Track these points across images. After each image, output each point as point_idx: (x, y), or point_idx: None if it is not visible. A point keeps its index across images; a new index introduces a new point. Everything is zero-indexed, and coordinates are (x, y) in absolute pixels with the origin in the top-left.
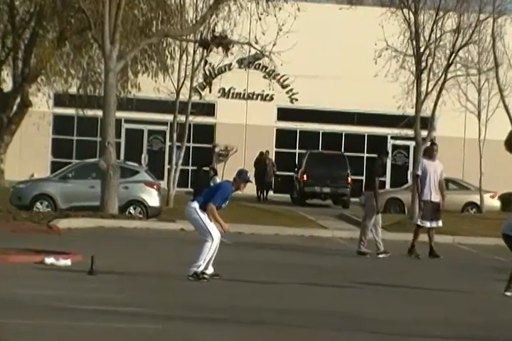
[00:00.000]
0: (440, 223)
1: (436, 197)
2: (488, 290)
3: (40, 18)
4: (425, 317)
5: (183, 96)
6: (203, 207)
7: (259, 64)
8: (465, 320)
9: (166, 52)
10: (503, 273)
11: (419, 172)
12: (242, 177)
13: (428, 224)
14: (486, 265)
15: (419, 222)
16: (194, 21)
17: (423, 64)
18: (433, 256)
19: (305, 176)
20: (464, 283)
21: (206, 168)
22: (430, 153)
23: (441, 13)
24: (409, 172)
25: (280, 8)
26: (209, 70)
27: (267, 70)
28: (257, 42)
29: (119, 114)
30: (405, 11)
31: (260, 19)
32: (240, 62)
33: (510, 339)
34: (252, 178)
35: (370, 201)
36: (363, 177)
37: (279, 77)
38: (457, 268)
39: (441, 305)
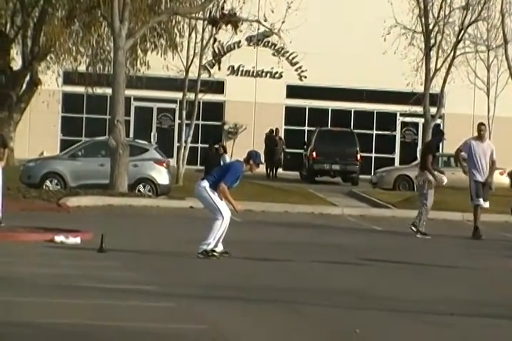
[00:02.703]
0: (487, 204)
1: (484, 179)
2: (497, 266)
3: None
4: (436, 295)
5: (192, 74)
6: (213, 186)
7: (268, 41)
8: (475, 297)
9: (175, 30)
10: (511, 250)
11: (462, 148)
12: (254, 160)
13: (482, 202)
14: (496, 242)
15: (477, 202)
16: None
17: (432, 41)
18: (476, 236)
19: (314, 153)
20: (474, 261)
21: (217, 146)
22: (478, 134)
23: None
24: (418, 149)
25: None
26: (218, 48)
27: (276, 48)
28: (266, 20)
29: (129, 92)
30: None
31: None
32: (249, 39)
33: None
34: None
35: (427, 178)
36: (372, 154)
37: (288, 54)
38: (467, 245)
39: (452, 282)
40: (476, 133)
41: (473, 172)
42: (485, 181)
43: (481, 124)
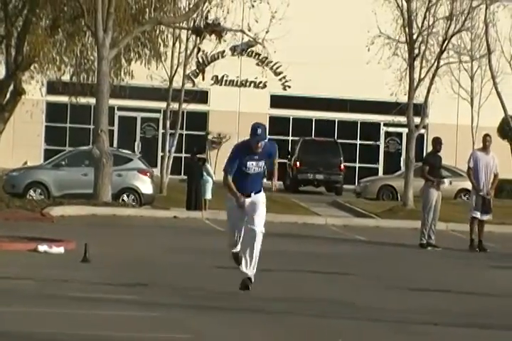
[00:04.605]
0: (490, 216)
1: (484, 192)
2: (481, 277)
3: (33, 5)
4: (419, 305)
5: (176, 83)
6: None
7: (252, 51)
8: (458, 307)
9: (159, 39)
10: (494, 259)
11: (471, 164)
12: (250, 134)
13: (479, 215)
14: (469, 249)
15: (473, 214)
16: (187, 9)
17: (416, 51)
18: (478, 248)
19: (298, 163)
20: (458, 271)
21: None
22: (483, 145)
23: (433, 0)
24: (401, 159)
25: None
26: (202, 58)
27: (260, 57)
28: (250, 30)
29: (112, 102)
30: None
31: (253, 6)
32: (233, 49)
33: (506, 325)
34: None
35: (425, 191)
36: (356, 164)
37: (272, 64)
38: (451, 255)
39: (435, 292)
40: (458, 143)
41: (475, 184)
42: (486, 194)
43: (486, 135)
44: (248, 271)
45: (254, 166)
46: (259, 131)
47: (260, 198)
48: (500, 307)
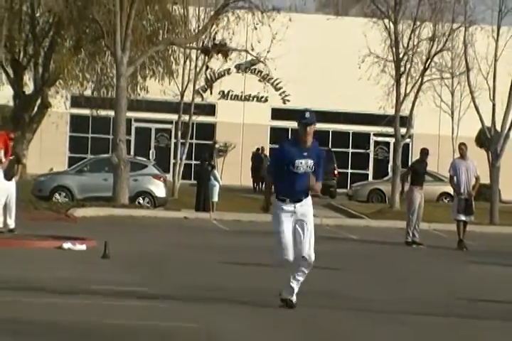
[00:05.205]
0: (472, 217)
1: (466, 195)
2: (460, 271)
3: (58, 28)
4: (402, 297)
5: (187, 97)
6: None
7: (255, 69)
8: (441, 299)
9: (172, 58)
10: (473, 255)
11: (451, 173)
12: (298, 119)
13: (463, 217)
14: (457, 248)
15: (457, 217)
16: (196, 30)
17: (402, 68)
18: (461, 247)
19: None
20: (439, 266)
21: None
22: (460, 153)
23: (418, 23)
24: (389, 166)
25: (274, 19)
26: (210, 74)
27: (262, 74)
28: (253, 49)
29: (129, 114)
30: (386, 21)
31: (256, 28)
32: (238, 67)
33: (486, 316)
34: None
35: (409, 194)
36: (348, 170)
37: (272, 80)
38: (433, 252)
39: (419, 285)
40: (439, 151)
41: (457, 189)
42: (468, 197)
43: (461, 144)
44: (290, 296)
45: (303, 165)
46: (308, 114)
47: (309, 208)
48: (476, 298)
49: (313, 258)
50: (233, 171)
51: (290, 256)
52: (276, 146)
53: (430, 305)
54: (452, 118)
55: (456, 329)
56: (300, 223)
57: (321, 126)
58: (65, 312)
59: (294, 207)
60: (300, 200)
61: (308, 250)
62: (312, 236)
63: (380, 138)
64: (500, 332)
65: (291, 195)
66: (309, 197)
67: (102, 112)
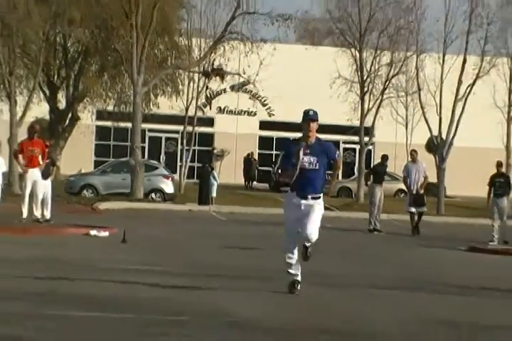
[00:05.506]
0: (424, 208)
1: (415, 191)
2: (412, 252)
3: (86, 55)
4: (366, 272)
5: (190, 112)
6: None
7: (246, 89)
8: (399, 274)
9: (178, 80)
10: (422, 240)
11: (404, 174)
12: (302, 118)
13: (413, 209)
14: (411, 235)
15: (408, 209)
16: (198, 57)
17: (365, 88)
18: (414, 234)
19: (280, 170)
20: (396, 248)
21: (210, 165)
22: (411, 157)
23: (378, 51)
24: (355, 168)
25: (261, 48)
26: (209, 93)
27: (252, 93)
28: (244, 73)
29: (144, 125)
30: (352, 49)
31: (247, 56)
32: (232, 87)
33: (436, 290)
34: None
35: (371, 190)
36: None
37: (260, 98)
38: (391, 238)
39: (378, 263)
40: (396, 156)
41: (408, 186)
42: (417, 192)
43: (412, 150)
44: (297, 272)
45: (306, 162)
46: (311, 112)
47: (317, 204)
48: (425, 275)
49: (314, 239)
50: (228, 172)
51: (292, 244)
52: (286, 142)
53: (385, 279)
54: (406, 128)
55: (404, 299)
56: (308, 208)
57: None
58: (95, 287)
59: (304, 201)
60: (311, 197)
61: (310, 230)
62: (318, 220)
63: (347, 145)
64: (440, 300)
65: (300, 190)
66: (321, 200)
67: (122, 124)
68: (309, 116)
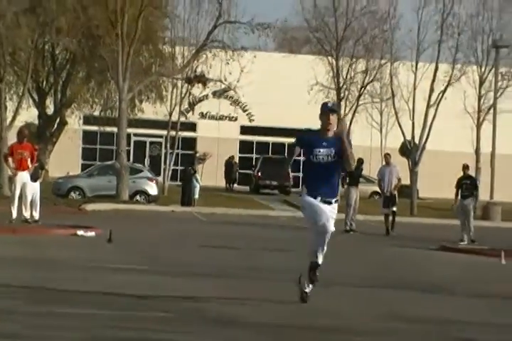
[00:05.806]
0: (395, 208)
1: (389, 193)
2: (384, 251)
3: (73, 63)
4: (341, 271)
5: (174, 117)
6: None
7: (227, 95)
8: (373, 272)
9: (162, 86)
10: (395, 240)
11: (379, 177)
12: (321, 110)
13: (386, 211)
14: (385, 235)
15: (383, 211)
16: (182, 65)
17: (342, 95)
18: (387, 234)
19: (259, 173)
20: (369, 247)
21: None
22: (385, 161)
23: (354, 59)
24: None
25: (242, 56)
26: (192, 99)
27: (233, 99)
28: (225, 80)
29: (129, 130)
30: (329, 57)
31: (228, 63)
32: (214, 93)
33: (409, 287)
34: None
35: (347, 192)
36: (299, 174)
37: (241, 104)
38: (365, 238)
39: (352, 262)
40: (371, 159)
41: (382, 189)
42: (390, 193)
43: (386, 154)
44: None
45: (322, 154)
46: (330, 104)
47: (332, 214)
48: (398, 273)
49: (330, 230)
50: (210, 175)
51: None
52: (301, 132)
53: (360, 277)
54: (381, 133)
55: (379, 296)
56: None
57: (278, 139)
58: (81, 285)
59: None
60: (327, 201)
61: (327, 221)
62: (334, 215)
63: None
64: (412, 297)
65: (317, 191)
66: (335, 205)
67: (108, 128)
68: (328, 108)
